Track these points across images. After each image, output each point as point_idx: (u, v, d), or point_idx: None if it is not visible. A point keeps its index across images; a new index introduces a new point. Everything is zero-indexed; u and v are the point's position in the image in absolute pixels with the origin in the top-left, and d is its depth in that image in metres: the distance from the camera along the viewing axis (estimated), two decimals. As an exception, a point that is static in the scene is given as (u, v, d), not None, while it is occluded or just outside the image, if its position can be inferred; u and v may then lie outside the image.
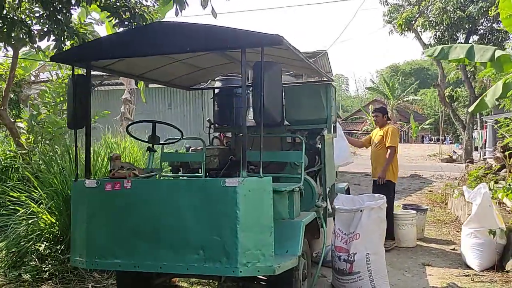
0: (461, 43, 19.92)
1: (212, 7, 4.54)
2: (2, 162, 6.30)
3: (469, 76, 20.75)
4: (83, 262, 3.46)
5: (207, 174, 4.63)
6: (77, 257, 3.52)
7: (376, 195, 4.64)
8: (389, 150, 6.07)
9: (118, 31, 5.03)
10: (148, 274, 3.82)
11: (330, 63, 16.90)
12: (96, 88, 11.64)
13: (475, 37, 21.06)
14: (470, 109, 9.94)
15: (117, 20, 4.90)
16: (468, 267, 5.18)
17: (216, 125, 5.54)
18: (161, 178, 4.46)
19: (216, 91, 5.59)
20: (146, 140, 4.30)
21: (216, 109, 5.56)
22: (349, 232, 4.43)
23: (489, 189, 5.95)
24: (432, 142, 45.70)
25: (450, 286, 4.64)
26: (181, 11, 4.49)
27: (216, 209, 3.16)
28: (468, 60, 8.22)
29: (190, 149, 4.85)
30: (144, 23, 4.89)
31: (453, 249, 5.92)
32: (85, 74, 3.52)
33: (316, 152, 5.10)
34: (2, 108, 6.29)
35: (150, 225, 3.28)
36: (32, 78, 9.58)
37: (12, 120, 6.59)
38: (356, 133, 43.56)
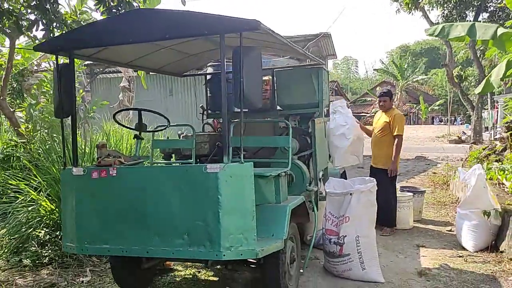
0: (470, 21, 19.53)
1: None
2: (4, 151, 6.42)
3: (478, 55, 20.36)
4: (74, 248, 3.56)
5: (198, 160, 4.69)
6: (68, 242, 3.62)
7: (367, 178, 4.64)
8: (396, 139, 5.82)
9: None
10: (137, 258, 3.91)
11: (334, 46, 16.72)
12: (98, 76, 11.73)
13: (485, 15, 20.60)
14: (477, 90, 9.82)
15: (104, 8, 4.93)
16: (463, 248, 5.20)
17: (209, 111, 5.57)
18: (152, 165, 4.53)
19: (208, 77, 5.60)
20: (133, 128, 4.35)
21: (208, 95, 5.58)
22: (339, 215, 4.46)
23: (485, 169, 5.93)
24: (442, 123, 45.16)
25: (442, 267, 4.67)
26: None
27: (199, 195, 3.20)
28: (469, 38, 8.10)
29: (181, 136, 4.89)
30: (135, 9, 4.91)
31: (450, 231, 5.93)
32: (68, 63, 3.56)
33: (308, 136, 5.11)
34: (1, 98, 6.39)
35: (136, 211, 3.35)
36: (34, 67, 9.66)
37: (12, 110, 6.68)
38: (365, 115, 43.22)
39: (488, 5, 20.11)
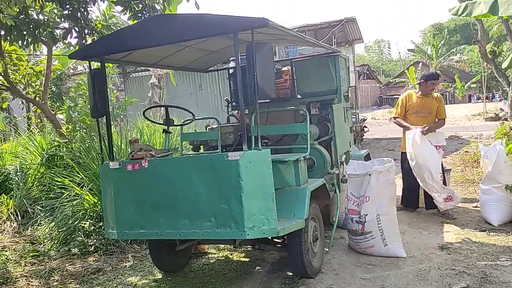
0: (502, -6, 18.86)
1: (195, 0, 4.90)
2: (48, 152, 6.97)
3: (512, 29, 19.64)
4: (115, 234, 3.96)
5: (224, 150, 5.00)
6: (109, 229, 4.02)
7: (386, 159, 4.81)
8: (441, 122, 5.82)
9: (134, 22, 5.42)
10: (172, 241, 4.29)
11: (360, 30, 16.63)
12: (130, 76, 12.26)
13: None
14: (504, 64, 9.65)
15: (130, 13, 5.29)
16: (487, 223, 5.28)
17: (233, 104, 5.87)
18: (181, 156, 4.88)
19: (231, 71, 5.89)
20: (161, 123, 4.71)
21: (232, 88, 5.88)
22: (360, 195, 4.67)
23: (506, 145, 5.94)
24: (480, 100, 43.69)
25: (464, 241, 4.80)
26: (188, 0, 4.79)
27: (222, 181, 3.50)
28: (492, 15, 7.99)
29: (207, 128, 5.21)
30: (155, 14, 5.25)
31: (475, 207, 6.00)
32: (100, 68, 3.94)
33: (328, 122, 5.32)
34: (43, 102, 6.93)
35: (168, 198, 3.69)
36: (71, 71, 10.27)
37: (53, 112, 7.22)
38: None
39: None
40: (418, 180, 5.58)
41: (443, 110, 5.89)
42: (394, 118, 6.14)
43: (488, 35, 24.40)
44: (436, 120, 5.85)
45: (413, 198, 6.09)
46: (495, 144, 5.29)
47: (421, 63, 44.01)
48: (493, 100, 38.42)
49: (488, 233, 4.96)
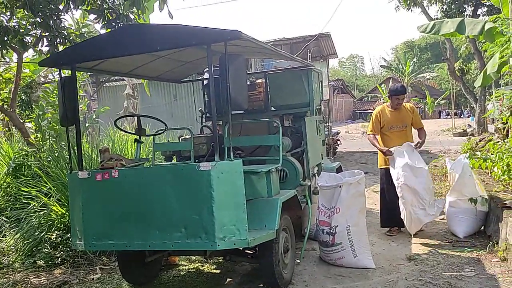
0: (469, 15, 19.64)
1: (168, 10, 5.00)
2: (16, 161, 6.78)
3: (480, 48, 20.42)
4: (82, 245, 3.88)
5: (196, 160, 4.98)
6: (77, 240, 3.93)
7: (356, 171, 4.90)
8: (422, 131, 5.75)
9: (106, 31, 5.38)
10: (141, 252, 4.22)
11: (334, 45, 16.94)
12: (104, 85, 12.11)
13: (484, 9, 20.66)
14: (476, 83, 10.01)
15: (104, 22, 5.26)
16: (453, 235, 5.42)
17: (207, 115, 5.87)
18: (152, 166, 4.84)
19: (206, 82, 5.90)
20: (133, 132, 4.67)
21: (206, 99, 5.89)
22: (331, 206, 4.73)
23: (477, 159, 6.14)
24: (449, 116, 45.04)
25: (431, 252, 4.92)
26: (161, 11, 4.82)
27: (194, 191, 3.50)
28: (459, 34, 8.33)
29: (180, 138, 5.20)
30: (130, 23, 5.24)
31: (442, 219, 6.15)
32: (71, 76, 3.89)
33: (300, 134, 5.39)
34: (11, 110, 6.76)
35: (138, 208, 3.65)
36: (42, 79, 10.07)
37: (22, 121, 7.05)
38: (372, 112, 43.26)
39: (485, 0, 20.18)
40: (401, 203, 5.35)
41: (419, 120, 5.81)
42: (368, 134, 5.92)
43: (457, 53, 25.29)
44: (417, 132, 5.77)
45: (395, 216, 5.56)
46: (460, 158, 5.47)
47: (389, 78, 45.08)
48: (462, 116, 39.67)
49: (453, 245, 5.10)
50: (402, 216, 5.39)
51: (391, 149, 5.48)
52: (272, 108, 5.72)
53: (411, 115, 5.74)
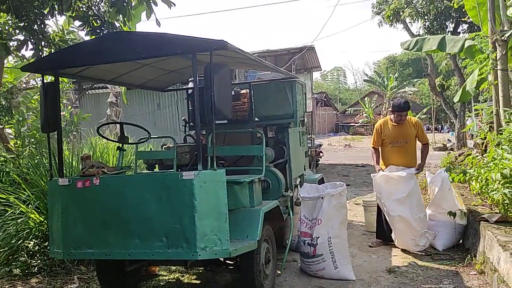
0: (451, 32, 20.12)
1: (156, 18, 5.02)
2: (-7, 167, 6.63)
3: (460, 64, 20.92)
4: (60, 253, 3.81)
5: (179, 169, 4.96)
6: (55, 248, 3.86)
7: (338, 183, 4.95)
8: (425, 147, 5.68)
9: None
10: (121, 262, 4.17)
11: (318, 58, 17.18)
12: (86, 92, 11.99)
13: (465, 26, 21.22)
14: (455, 99, 10.25)
15: (89, 29, 5.24)
16: (433, 248, 5.47)
17: (191, 124, 5.86)
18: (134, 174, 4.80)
19: (190, 91, 5.91)
20: (116, 140, 4.63)
21: (190, 108, 5.88)
22: (313, 218, 4.75)
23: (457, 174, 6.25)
24: (429, 131, 45.83)
25: (410, 265, 4.97)
26: (148, 19, 4.82)
27: (176, 200, 3.48)
28: (440, 50, 8.56)
29: (163, 147, 5.17)
30: (114, 30, 5.23)
31: (422, 232, 6.21)
32: (54, 82, 3.85)
33: (283, 145, 5.42)
34: (-10, 115, 6.63)
35: (119, 216, 3.61)
36: (23, 85, 9.90)
37: (1, 126, 6.92)
38: (354, 125, 43.75)
39: (467, 18, 20.73)
40: (393, 229, 5.40)
41: (424, 135, 5.65)
42: (372, 147, 5.85)
43: (438, 69, 25.85)
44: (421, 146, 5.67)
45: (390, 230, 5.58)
46: (440, 172, 5.56)
47: (376, 94, 45.77)
48: (442, 131, 40.37)
49: (433, 257, 5.16)
50: (393, 236, 5.52)
51: (377, 173, 5.50)
52: (256, 119, 5.74)
53: (415, 130, 5.57)
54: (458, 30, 20.43)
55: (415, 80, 49.31)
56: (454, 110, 21.81)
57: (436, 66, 23.24)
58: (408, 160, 5.52)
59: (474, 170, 5.45)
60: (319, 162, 14.70)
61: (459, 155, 9.31)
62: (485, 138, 8.62)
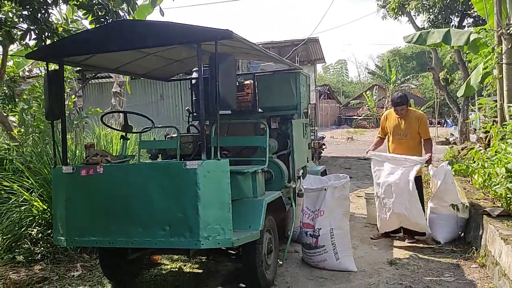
0: (455, 25, 19.99)
1: (160, 7, 4.95)
2: (-3, 155, 6.65)
3: (464, 58, 20.79)
4: (64, 241, 3.83)
5: (182, 159, 4.97)
6: (58, 236, 3.88)
7: (341, 175, 4.95)
8: (428, 142, 5.63)
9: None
10: (123, 249, 4.19)
11: (322, 50, 17.11)
12: (90, 82, 11.97)
13: (470, 20, 21.06)
14: (459, 93, 10.21)
15: (93, 18, 5.22)
16: (434, 240, 5.49)
17: (194, 114, 5.86)
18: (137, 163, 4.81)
19: (193, 81, 5.89)
20: (120, 129, 4.63)
21: (194, 99, 5.88)
22: (315, 209, 4.77)
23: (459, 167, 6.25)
24: (432, 125, 45.69)
25: (412, 257, 4.98)
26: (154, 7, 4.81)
27: (179, 189, 3.49)
28: (444, 44, 8.51)
29: (167, 137, 5.17)
30: (118, 19, 5.20)
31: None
32: (58, 70, 3.85)
33: (287, 136, 5.42)
34: (-6, 103, 6.65)
35: (122, 205, 3.62)
36: (26, 73, 9.92)
37: (5, 114, 6.93)
38: (357, 118, 43.65)
39: (472, 11, 20.57)
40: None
41: (425, 130, 5.60)
42: (377, 137, 5.98)
43: (442, 63, 25.70)
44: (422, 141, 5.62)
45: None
46: (443, 165, 5.55)
47: (376, 86, 45.53)
48: (445, 125, 40.25)
49: (434, 250, 5.17)
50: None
51: (369, 154, 5.55)
52: (260, 110, 5.74)
53: (417, 124, 5.54)
54: (463, 24, 20.31)
55: (419, 74, 49.17)
56: (457, 104, 21.71)
57: (440, 60, 23.10)
58: (409, 153, 5.46)
59: (477, 164, 5.45)
60: (321, 155, 14.70)
61: (462, 149, 9.29)
62: (489, 132, 8.62)
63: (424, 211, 5.50)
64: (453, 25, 20.25)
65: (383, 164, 5.39)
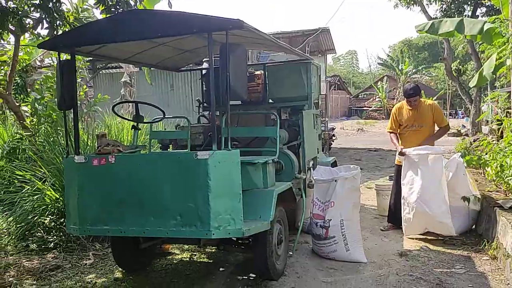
0: (468, 16, 19.66)
1: None
2: (10, 144, 6.74)
3: (477, 49, 20.48)
4: (77, 229, 3.87)
5: (193, 150, 4.98)
6: (71, 225, 3.93)
7: (352, 166, 4.93)
8: (441, 130, 5.61)
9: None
10: (136, 239, 4.23)
11: (333, 40, 16.96)
12: (100, 72, 12.02)
13: (483, 9, 20.71)
14: (471, 83, 10.07)
15: (104, 7, 5.22)
16: (445, 232, 5.46)
17: (205, 104, 5.86)
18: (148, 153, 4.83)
19: (204, 71, 5.89)
20: (131, 119, 4.66)
21: (204, 89, 5.87)
22: (325, 200, 4.76)
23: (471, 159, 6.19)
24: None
25: (422, 249, 4.97)
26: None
27: (190, 179, 3.49)
28: (458, 33, 8.37)
29: (177, 127, 5.19)
30: (129, 9, 5.20)
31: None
32: (70, 59, 3.86)
33: (297, 127, 5.40)
34: (7, 93, 6.71)
35: (134, 194, 3.64)
36: (38, 63, 9.98)
37: (18, 104, 7.00)
38: (367, 109, 43.35)
39: (486, 0, 20.21)
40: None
41: (441, 118, 5.55)
42: (389, 132, 5.80)
43: (454, 53, 25.36)
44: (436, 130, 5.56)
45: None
46: (455, 156, 5.50)
47: (386, 77, 45.07)
48: (457, 117, 39.81)
49: (445, 242, 5.15)
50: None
51: (403, 151, 5.33)
52: (270, 100, 5.72)
53: (431, 113, 5.49)
54: (476, 14, 19.98)
55: (431, 64, 48.55)
56: (470, 95, 21.45)
57: (453, 50, 22.78)
58: (425, 144, 5.39)
59: (490, 156, 5.40)
60: (331, 146, 14.67)
61: (474, 141, 9.19)
62: (501, 123, 8.51)
63: None
64: (466, 15, 19.93)
65: (415, 161, 5.22)
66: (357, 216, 4.77)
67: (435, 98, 42.68)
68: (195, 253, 5.10)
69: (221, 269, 4.59)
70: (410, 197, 5.19)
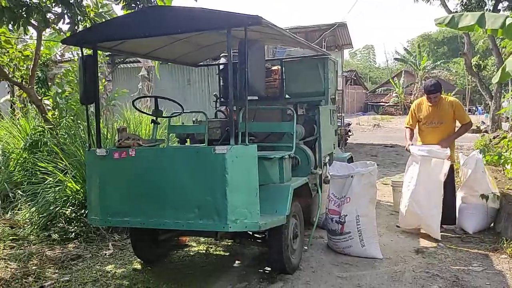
0: (489, 10, 19.27)
1: None
2: (32, 137, 6.91)
3: (498, 44, 20.07)
4: (98, 220, 3.97)
5: (210, 144, 5.04)
6: (93, 216, 4.03)
7: (368, 162, 4.93)
8: (463, 127, 5.49)
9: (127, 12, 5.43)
10: (154, 231, 4.32)
11: (349, 35, 16.82)
12: (119, 66, 12.17)
13: (505, 3, 20.26)
14: (494, 79, 9.90)
15: (124, 3, 5.31)
16: (463, 230, 5.42)
17: (222, 99, 5.92)
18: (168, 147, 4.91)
19: (221, 67, 5.93)
20: (150, 113, 4.74)
21: (221, 84, 5.92)
22: (341, 196, 4.78)
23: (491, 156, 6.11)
24: (463, 112, 44.34)
25: (439, 246, 4.95)
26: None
27: (208, 173, 3.54)
28: (479, 27, 8.20)
29: (195, 122, 5.25)
30: (149, 5, 5.28)
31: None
32: (92, 55, 3.95)
33: (314, 123, 5.41)
34: (29, 86, 6.87)
35: (153, 187, 3.72)
36: (58, 57, 10.17)
37: (39, 98, 7.16)
38: (384, 105, 42.93)
39: (508, -6, 19.76)
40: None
41: (462, 115, 5.45)
42: (405, 127, 5.79)
43: (474, 48, 24.91)
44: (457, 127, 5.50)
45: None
46: (474, 153, 5.45)
47: (403, 71, 44.48)
48: (476, 113, 39.16)
49: (462, 240, 5.12)
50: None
51: (409, 148, 5.38)
52: (287, 96, 5.74)
53: (451, 110, 5.41)
54: (498, 8, 19.57)
55: (450, 59, 47.73)
56: (490, 91, 21.06)
57: (473, 45, 22.37)
58: None
59: (510, 153, 5.34)
60: (347, 141, 14.60)
61: (494, 138, 9.06)
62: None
63: (454, 200, 5.43)
64: (487, 9, 19.54)
65: (418, 160, 5.20)
66: (373, 212, 4.77)
67: (453, 94, 42.10)
68: (211, 246, 5.18)
69: (236, 262, 4.66)
70: (406, 194, 5.26)
